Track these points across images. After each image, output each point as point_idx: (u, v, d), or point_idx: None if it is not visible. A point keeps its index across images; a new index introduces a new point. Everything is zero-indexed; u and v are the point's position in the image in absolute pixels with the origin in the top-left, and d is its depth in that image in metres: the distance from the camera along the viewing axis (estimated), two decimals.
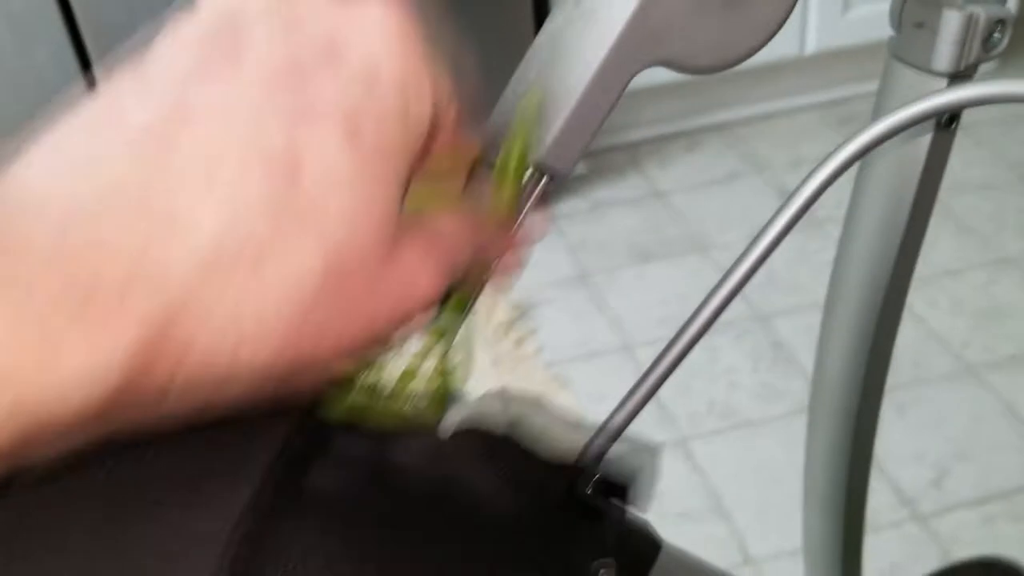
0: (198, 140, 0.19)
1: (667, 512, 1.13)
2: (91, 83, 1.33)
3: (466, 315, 0.29)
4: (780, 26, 0.31)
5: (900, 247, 0.39)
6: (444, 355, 0.28)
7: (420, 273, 0.22)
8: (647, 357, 1.37)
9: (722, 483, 1.17)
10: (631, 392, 0.35)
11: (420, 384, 0.27)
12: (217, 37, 0.20)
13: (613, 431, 0.35)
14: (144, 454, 0.21)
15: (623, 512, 0.40)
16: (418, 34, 0.22)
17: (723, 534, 1.10)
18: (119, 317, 0.17)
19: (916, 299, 1.41)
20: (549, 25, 0.31)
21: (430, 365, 0.27)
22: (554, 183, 0.31)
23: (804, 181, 0.29)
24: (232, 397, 0.20)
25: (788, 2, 0.30)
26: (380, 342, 0.22)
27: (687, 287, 1.51)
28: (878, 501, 1.12)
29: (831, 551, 0.59)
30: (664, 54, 0.29)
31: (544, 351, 1.42)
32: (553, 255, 1.63)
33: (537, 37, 0.31)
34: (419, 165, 0.23)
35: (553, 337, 1.45)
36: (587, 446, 0.35)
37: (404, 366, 0.26)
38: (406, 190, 0.22)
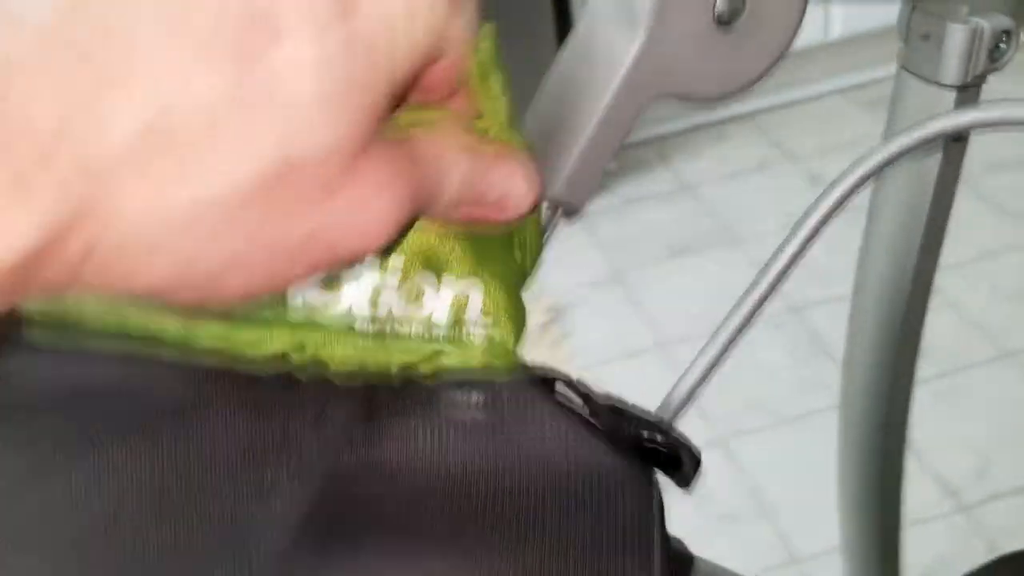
0: None
1: (711, 514, 1.13)
2: None
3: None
4: (785, 50, 0.31)
5: (918, 257, 0.39)
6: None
7: (376, 197, 0.19)
8: (685, 355, 1.37)
9: (764, 482, 1.16)
10: (666, 399, 0.36)
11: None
12: None
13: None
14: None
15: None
16: None
17: (768, 534, 1.10)
18: (39, 182, 0.15)
19: (953, 285, 1.40)
20: (558, 65, 0.32)
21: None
22: (569, 217, 0.32)
23: (813, 205, 0.30)
24: (150, 288, 0.18)
25: (791, 28, 0.30)
26: (316, 267, 0.19)
27: (722, 281, 1.50)
28: (921, 493, 1.11)
29: (869, 548, 0.59)
30: (671, 87, 0.30)
31: (580, 353, 1.43)
32: (585, 254, 1.63)
33: (547, 74, 0.32)
34: (414, 87, 0.21)
35: (588, 338, 1.45)
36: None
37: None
38: (392, 110, 0.20)
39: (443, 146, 0.21)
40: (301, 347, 0.24)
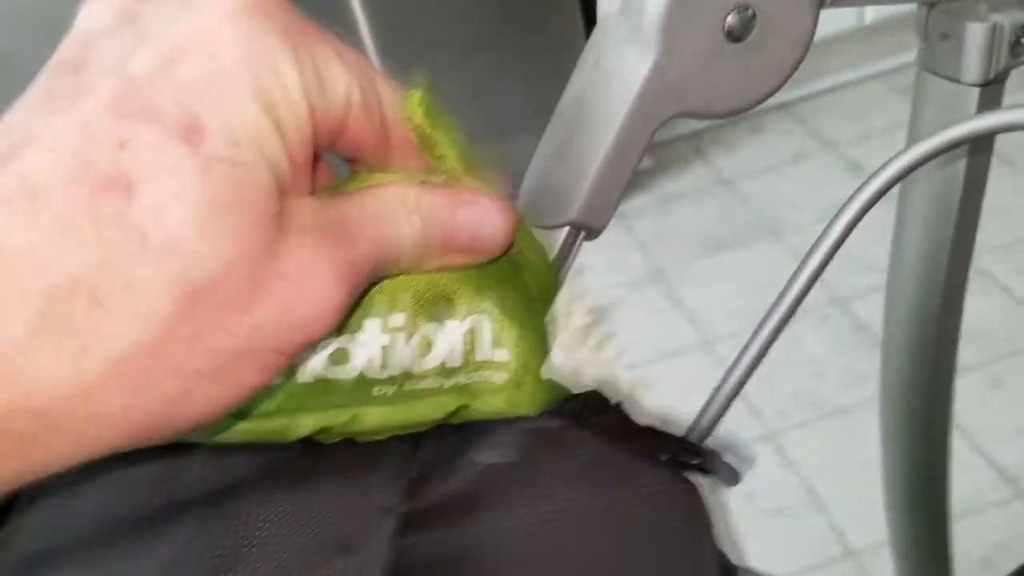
0: (25, 170, 0.17)
1: (764, 510, 1.12)
2: None
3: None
4: (798, 64, 0.31)
5: (950, 254, 0.39)
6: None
7: (310, 282, 0.19)
8: (728, 351, 1.36)
9: (816, 475, 1.15)
10: (715, 391, 0.36)
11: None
12: (65, 61, 0.19)
13: (701, 432, 0.35)
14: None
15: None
16: (275, 9, 0.19)
17: (821, 528, 1.09)
18: None
19: (1000, 268, 1.37)
20: (571, 87, 0.32)
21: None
22: (590, 238, 0.32)
23: (836, 215, 0.30)
24: (112, 445, 0.18)
25: (804, 40, 0.31)
26: (270, 367, 0.19)
27: (763, 275, 1.49)
28: (978, 480, 1.09)
29: (917, 539, 0.58)
30: (684, 106, 0.30)
31: (624, 353, 1.43)
32: (625, 254, 1.63)
33: (561, 99, 0.32)
34: (338, 145, 0.21)
35: (632, 338, 1.45)
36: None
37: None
38: (311, 179, 0.20)
39: (387, 203, 0.21)
40: (328, 428, 0.23)
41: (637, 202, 1.74)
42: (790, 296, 0.34)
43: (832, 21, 1.79)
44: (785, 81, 0.32)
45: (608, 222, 0.31)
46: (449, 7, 1.51)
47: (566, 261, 0.31)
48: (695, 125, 1.90)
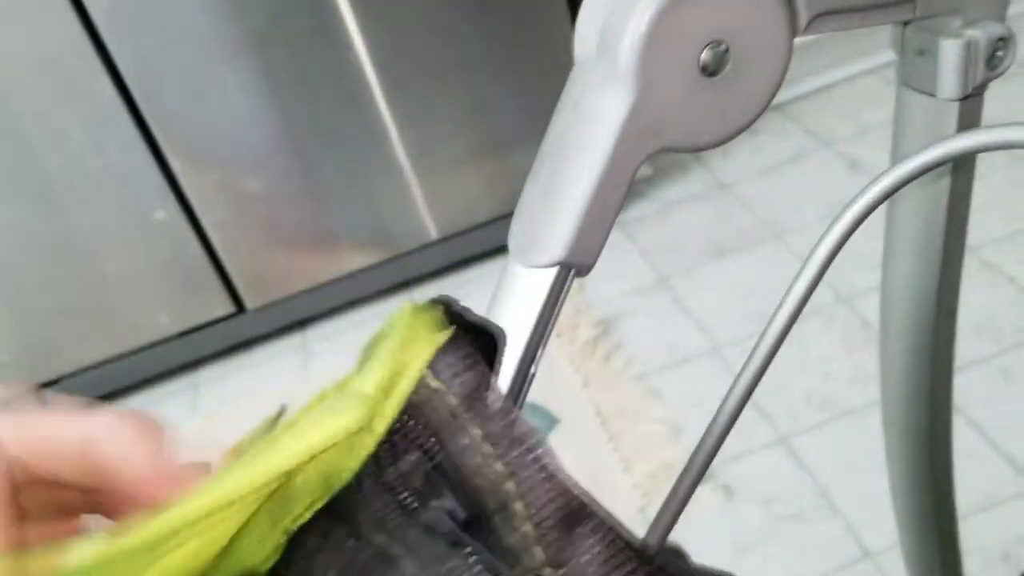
0: None
1: (779, 515, 1.12)
2: (165, 170, 1.39)
3: None
4: (775, 92, 0.31)
5: (942, 266, 0.39)
6: None
7: None
8: (737, 356, 1.36)
9: (830, 478, 1.15)
10: (727, 397, 0.36)
11: None
12: None
13: (714, 438, 0.36)
14: None
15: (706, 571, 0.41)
16: None
17: (838, 531, 1.09)
18: None
19: (1004, 259, 1.36)
20: (553, 127, 0.32)
21: None
22: (580, 275, 0.33)
23: (819, 241, 0.30)
24: None
25: (780, 69, 0.31)
26: None
27: (767, 278, 1.49)
28: (993, 474, 1.09)
29: (926, 539, 0.58)
30: (664, 142, 0.31)
31: (633, 364, 1.43)
32: (628, 263, 1.63)
33: (544, 140, 0.33)
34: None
35: (640, 348, 1.45)
36: (694, 455, 0.36)
37: None
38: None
39: None
40: None
41: (638, 210, 1.75)
42: (783, 315, 0.34)
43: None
44: (764, 110, 0.32)
45: (597, 259, 0.32)
46: (443, 25, 1.52)
47: (558, 300, 0.32)
48: None
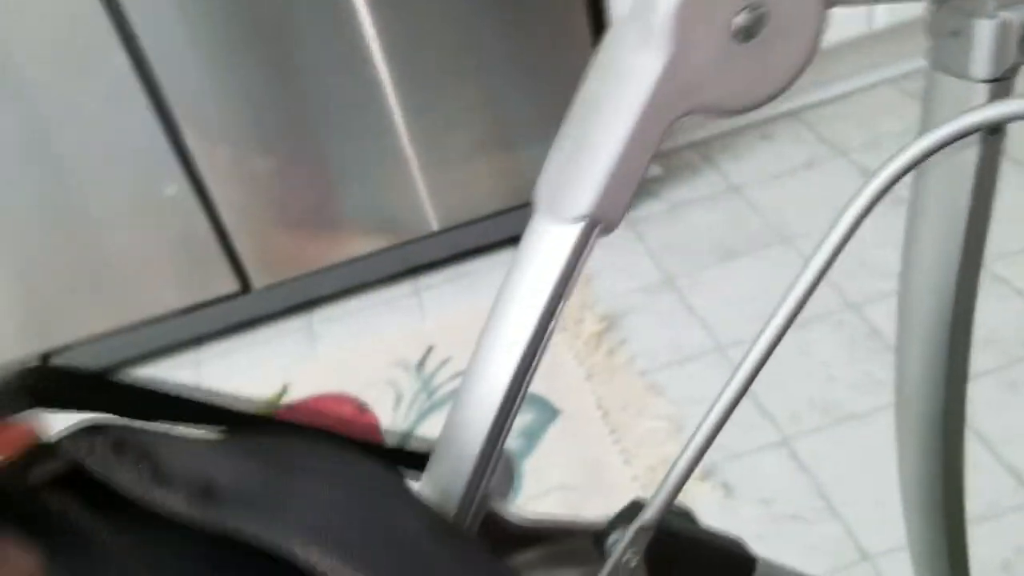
0: None
1: (778, 515, 1.12)
2: (178, 147, 1.40)
3: None
4: (808, 61, 0.32)
5: (963, 251, 0.39)
6: None
7: None
8: (741, 357, 1.36)
9: (830, 481, 1.15)
10: (723, 389, 0.36)
11: None
12: None
13: (709, 429, 0.36)
14: None
15: (714, 534, 0.41)
16: None
17: (837, 533, 1.09)
18: None
19: (1014, 273, 1.36)
20: (585, 86, 0.32)
21: None
22: (605, 233, 0.33)
23: (848, 203, 0.30)
24: None
25: (813, 39, 0.31)
26: None
27: (774, 281, 1.49)
28: (996, 485, 1.09)
29: (936, 544, 0.58)
30: (693, 104, 0.31)
31: (637, 359, 1.43)
32: (636, 260, 1.63)
33: (576, 97, 0.33)
34: None
35: (644, 344, 1.45)
36: (667, 473, 0.36)
37: None
38: None
39: None
40: None
41: (647, 209, 1.75)
42: (794, 296, 0.34)
43: (840, 27, 1.78)
44: (795, 79, 0.32)
45: (623, 216, 0.32)
46: (458, 15, 1.52)
47: (581, 255, 0.32)
48: (704, 132, 1.90)
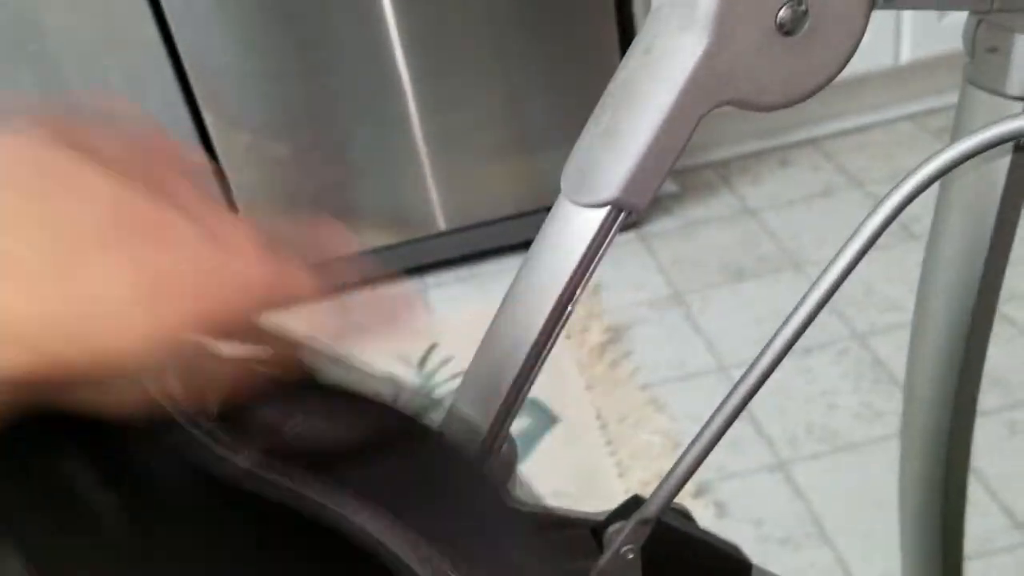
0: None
1: (769, 537, 1.12)
2: (199, 125, 1.40)
3: None
4: (845, 63, 0.31)
5: (984, 268, 0.39)
6: None
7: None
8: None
9: (824, 507, 1.14)
10: (719, 408, 0.36)
11: None
12: None
13: (703, 446, 0.36)
14: None
15: (711, 536, 0.41)
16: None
17: (827, 560, 1.08)
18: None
19: (1021, 315, 1.36)
20: (621, 70, 0.32)
21: None
22: (630, 217, 0.33)
23: (878, 204, 0.30)
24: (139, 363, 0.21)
25: (853, 40, 0.31)
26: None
27: (783, 305, 1.48)
28: (990, 525, 1.08)
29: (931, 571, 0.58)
30: (730, 95, 0.31)
31: (639, 373, 1.42)
32: (646, 274, 1.63)
33: (611, 82, 0.33)
34: None
35: (648, 358, 1.45)
36: (679, 461, 0.36)
37: None
38: None
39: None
40: None
41: (661, 225, 1.75)
42: (792, 325, 0.34)
43: (867, 59, 1.79)
44: (831, 79, 0.32)
45: (648, 202, 0.32)
46: (483, 15, 1.52)
47: (605, 239, 0.32)
48: (724, 153, 1.90)
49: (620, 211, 0.32)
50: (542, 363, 0.34)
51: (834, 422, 1.26)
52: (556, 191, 0.34)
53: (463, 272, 1.73)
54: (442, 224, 1.67)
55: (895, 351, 1.35)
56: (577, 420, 1.35)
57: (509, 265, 1.70)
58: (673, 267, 1.64)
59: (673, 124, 0.30)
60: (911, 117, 1.90)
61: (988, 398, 1.24)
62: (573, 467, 1.27)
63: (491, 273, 1.70)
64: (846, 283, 0.32)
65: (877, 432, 1.23)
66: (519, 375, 0.34)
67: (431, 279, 1.73)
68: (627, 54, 0.32)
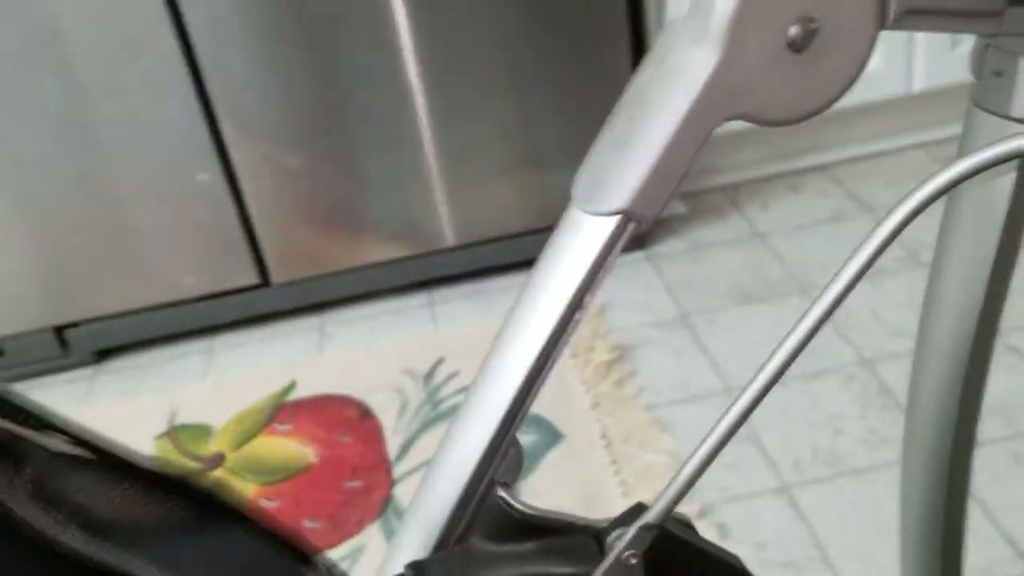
0: None
1: (771, 560, 1.11)
2: (216, 134, 1.42)
3: None
4: (855, 79, 0.32)
5: (987, 288, 0.39)
6: None
7: None
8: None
9: (826, 532, 1.14)
10: (723, 415, 0.36)
11: None
12: None
13: (707, 452, 0.36)
14: None
15: (712, 545, 0.41)
16: None
17: None
18: None
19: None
20: (636, 80, 0.33)
21: None
22: (640, 228, 0.33)
23: (881, 221, 0.31)
24: None
25: (860, 60, 0.32)
26: None
27: (789, 324, 1.48)
28: (992, 553, 1.07)
29: None
30: (741, 108, 0.31)
31: (644, 393, 1.43)
32: (653, 295, 1.64)
33: (624, 92, 0.34)
34: None
35: (654, 379, 1.45)
36: (674, 478, 0.37)
37: None
38: None
39: None
40: None
41: (669, 246, 1.75)
42: (788, 345, 0.35)
43: (880, 87, 1.79)
44: (837, 99, 0.33)
45: (658, 214, 0.33)
46: (497, 34, 1.54)
47: (614, 248, 0.33)
48: (733, 177, 1.91)
49: (630, 221, 0.32)
50: (550, 369, 0.35)
51: (840, 447, 1.26)
52: (564, 209, 0.35)
53: (470, 288, 1.73)
54: (451, 239, 1.68)
55: (902, 377, 1.34)
56: (582, 438, 1.35)
57: (516, 281, 1.70)
58: (680, 288, 1.64)
59: (685, 135, 0.31)
60: (922, 146, 1.91)
61: (993, 427, 1.24)
62: (577, 484, 1.27)
63: (498, 289, 1.71)
64: (853, 309, 0.33)
65: (883, 457, 1.23)
66: (527, 379, 0.34)
67: (438, 294, 1.74)
68: (641, 64, 0.33)
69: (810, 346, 0.34)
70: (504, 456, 0.37)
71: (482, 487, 0.36)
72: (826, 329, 1.32)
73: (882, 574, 1.06)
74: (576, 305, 0.34)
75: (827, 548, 1.12)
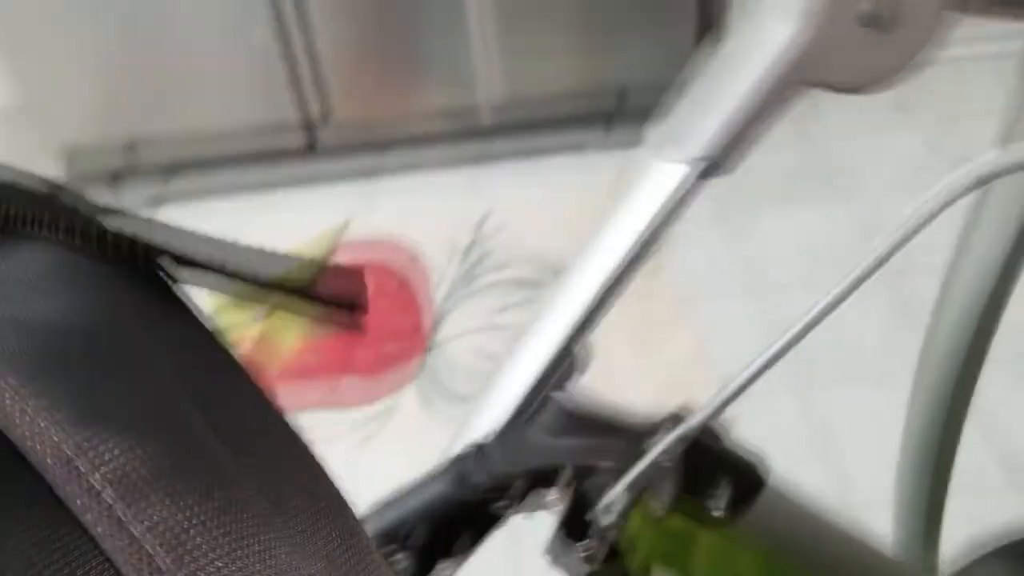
0: None
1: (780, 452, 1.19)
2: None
3: None
4: (924, 56, 0.35)
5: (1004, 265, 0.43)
6: None
7: None
8: (773, 300, 1.40)
9: (836, 429, 1.20)
10: (773, 342, 0.40)
11: None
12: None
13: (740, 383, 0.41)
14: None
15: (739, 448, 0.46)
16: None
17: (833, 473, 1.14)
18: None
19: None
20: (721, 48, 0.37)
21: None
22: (717, 175, 0.37)
23: (917, 208, 0.34)
24: None
25: (928, 38, 0.35)
26: None
27: (825, 235, 1.51)
28: (983, 466, 1.14)
29: (918, 499, 0.64)
30: (816, 77, 0.35)
31: (673, 285, 1.47)
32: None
33: (711, 58, 0.37)
34: None
35: (684, 273, 1.49)
36: (715, 394, 0.42)
37: None
38: None
39: None
40: None
41: None
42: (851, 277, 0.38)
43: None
44: (906, 73, 0.36)
45: (733, 165, 0.36)
46: None
47: (690, 193, 0.37)
48: None
49: (706, 168, 0.36)
50: (620, 292, 0.40)
51: (855, 355, 1.31)
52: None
53: (519, 166, 1.75)
54: (503, 94, 1.70)
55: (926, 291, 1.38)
56: (608, 324, 1.41)
57: (567, 142, 1.72)
58: (718, 184, 1.66)
59: (764, 97, 0.35)
60: (974, 59, 1.87)
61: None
62: (600, 370, 1.34)
63: (549, 169, 1.72)
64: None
65: (892, 367, 1.28)
66: (595, 301, 0.39)
67: (487, 149, 1.76)
68: (725, 35, 0.36)
69: None
70: (570, 361, 0.42)
71: (548, 386, 0.41)
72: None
73: (882, 468, 1.13)
74: (650, 243, 0.38)
75: (834, 442, 1.19)
